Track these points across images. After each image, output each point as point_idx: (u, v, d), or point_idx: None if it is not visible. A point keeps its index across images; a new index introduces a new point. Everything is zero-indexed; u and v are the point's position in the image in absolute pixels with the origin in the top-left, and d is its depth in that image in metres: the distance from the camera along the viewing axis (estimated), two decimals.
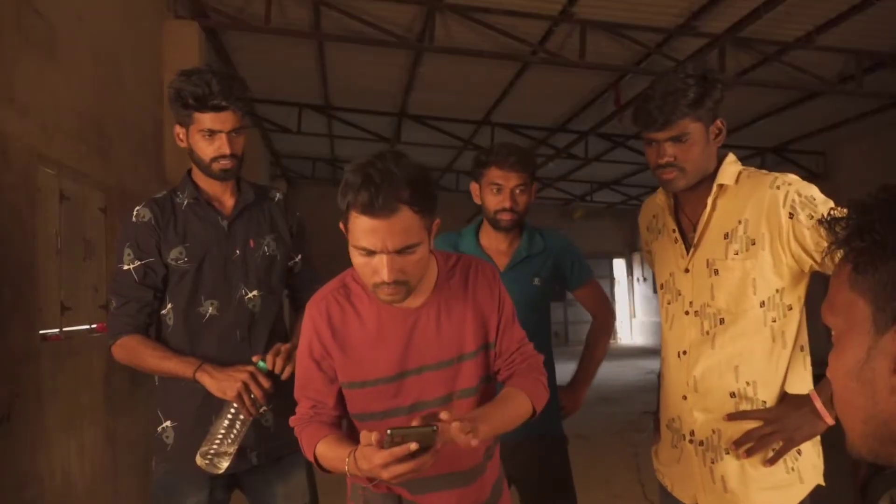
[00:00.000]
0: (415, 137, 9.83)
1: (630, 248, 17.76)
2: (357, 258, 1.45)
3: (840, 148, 10.04)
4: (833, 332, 0.81)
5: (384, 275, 1.41)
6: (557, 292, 2.52)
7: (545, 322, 2.46)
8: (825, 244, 1.51)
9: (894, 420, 0.74)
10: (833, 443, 4.08)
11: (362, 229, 1.41)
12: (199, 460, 1.85)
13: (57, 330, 3.50)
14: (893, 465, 0.77)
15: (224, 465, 1.86)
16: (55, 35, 3.34)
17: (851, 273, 0.76)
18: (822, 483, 1.73)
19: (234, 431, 1.86)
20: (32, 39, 3.11)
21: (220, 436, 1.85)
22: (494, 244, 2.43)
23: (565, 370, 2.51)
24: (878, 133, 9.01)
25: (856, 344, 0.76)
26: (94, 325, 3.93)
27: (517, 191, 2.33)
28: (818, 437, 1.72)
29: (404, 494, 1.63)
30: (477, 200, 2.42)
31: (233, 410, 1.87)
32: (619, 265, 18.91)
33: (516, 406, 1.53)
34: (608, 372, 11.70)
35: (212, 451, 1.84)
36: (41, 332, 3.19)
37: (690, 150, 1.70)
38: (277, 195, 2.22)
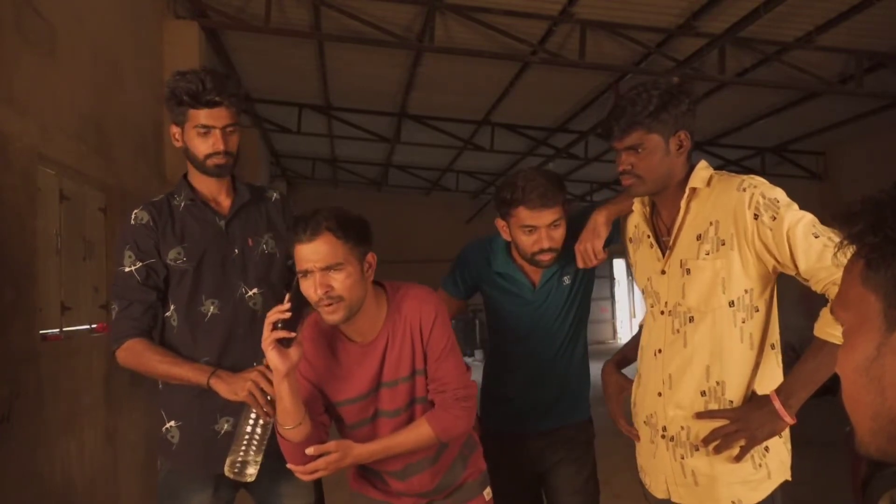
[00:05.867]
0: (415, 137, 9.83)
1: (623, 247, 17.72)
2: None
3: (840, 148, 10.03)
4: (843, 328, 0.81)
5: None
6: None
7: (583, 319, 2.37)
8: (787, 247, 1.62)
9: None
10: (831, 441, 4.01)
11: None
12: (226, 470, 1.85)
13: (57, 330, 3.50)
14: None
15: (252, 473, 1.86)
16: (55, 35, 3.35)
17: (864, 269, 0.76)
18: (789, 478, 1.80)
19: (257, 437, 1.85)
20: (32, 39, 3.11)
21: (244, 444, 1.84)
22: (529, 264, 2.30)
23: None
24: (878, 133, 9.00)
25: (866, 340, 0.76)
26: (94, 325, 3.94)
27: (552, 227, 2.15)
28: (788, 434, 1.81)
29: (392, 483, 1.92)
30: (506, 237, 2.25)
31: (252, 416, 1.86)
32: (619, 265, 18.92)
33: (411, 436, 1.81)
34: None
35: (238, 461, 1.84)
36: (41, 332, 3.19)
37: (646, 160, 1.77)
38: (275, 195, 2.23)
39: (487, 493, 2.02)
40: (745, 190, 1.71)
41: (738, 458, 1.73)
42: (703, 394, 1.77)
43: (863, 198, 0.77)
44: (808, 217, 1.66)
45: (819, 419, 3.20)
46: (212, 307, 2.03)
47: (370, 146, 10.74)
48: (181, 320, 2.03)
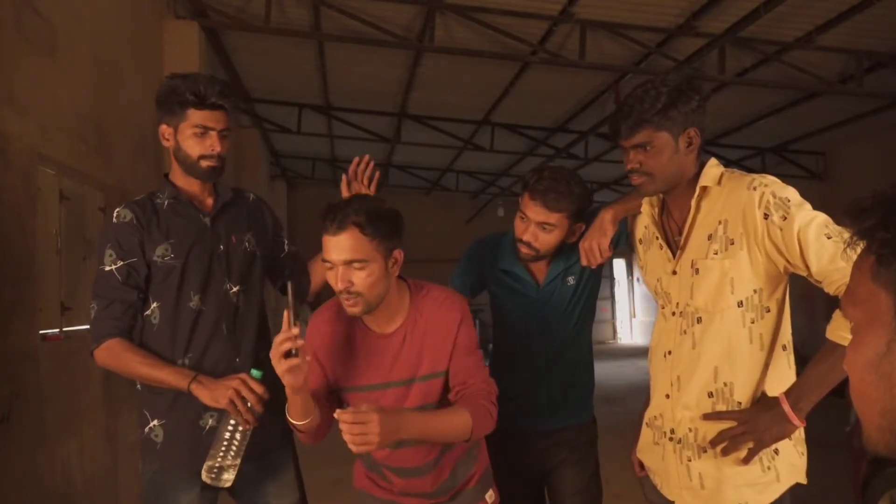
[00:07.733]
0: (415, 137, 9.83)
1: (630, 248, 17.71)
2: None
3: (840, 148, 10.04)
4: (852, 324, 0.80)
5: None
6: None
7: (587, 319, 2.38)
8: (797, 247, 1.59)
9: None
10: (833, 441, 4.01)
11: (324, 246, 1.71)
12: (204, 476, 1.84)
13: (57, 330, 3.50)
14: None
15: (229, 478, 1.85)
16: (55, 35, 3.35)
17: (874, 265, 0.75)
18: (803, 481, 1.77)
19: (235, 444, 1.84)
20: (32, 39, 3.11)
21: (222, 450, 1.84)
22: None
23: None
24: (878, 133, 9.01)
25: (876, 337, 0.75)
26: None
27: (541, 228, 2.14)
28: (801, 437, 1.78)
29: (395, 480, 1.88)
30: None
31: (232, 423, 1.85)
32: (619, 265, 18.92)
33: (452, 420, 1.72)
34: (609, 371, 11.68)
35: (216, 467, 1.83)
36: (41, 332, 3.19)
37: (655, 158, 1.74)
38: (251, 196, 2.27)
39: (490, 496, 1.98)
40: (755, 189, 1.67)
41: (746, 461, 1.70)
42: (710, 395, 1.75)
43: (873, 192, 0.76)
44: (821, 217, 1.61)
45: (819, 420, 3.20)
46: (199, 303, 2.02)
47: (370, 146, 10.72)
48: (165, 318, 2.01)
